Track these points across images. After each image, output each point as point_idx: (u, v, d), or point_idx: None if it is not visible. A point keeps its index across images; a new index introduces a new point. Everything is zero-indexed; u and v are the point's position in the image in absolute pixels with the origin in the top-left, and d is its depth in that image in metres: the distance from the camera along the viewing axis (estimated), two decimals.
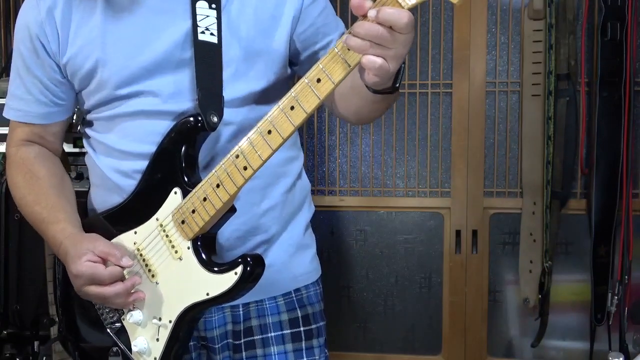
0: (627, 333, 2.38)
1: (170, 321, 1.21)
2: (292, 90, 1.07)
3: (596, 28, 2.34)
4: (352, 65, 1.02)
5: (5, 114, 1.36)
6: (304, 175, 1.42)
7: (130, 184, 1.26)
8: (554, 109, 2.37)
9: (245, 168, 1.11)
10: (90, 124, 1.34)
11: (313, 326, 1.36)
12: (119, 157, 1.28)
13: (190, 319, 1.21)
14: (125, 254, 1.20)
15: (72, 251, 1.20)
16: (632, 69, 2.31)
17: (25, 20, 1.29)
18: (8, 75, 2.82)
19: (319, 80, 1.04)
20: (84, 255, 1.18)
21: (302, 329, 1.35)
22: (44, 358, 2.06)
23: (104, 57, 1.23)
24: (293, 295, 1.35)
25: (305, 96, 1.05)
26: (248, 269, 1.13)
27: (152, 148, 1.23)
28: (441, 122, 2.54)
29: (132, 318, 1.24)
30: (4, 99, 2.25)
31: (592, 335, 2.43)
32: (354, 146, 2.60)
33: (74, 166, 2.17)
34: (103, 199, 1.32)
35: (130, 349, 1.25)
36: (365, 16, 0.98)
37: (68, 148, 2.15)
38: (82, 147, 2.19)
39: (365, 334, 2.62)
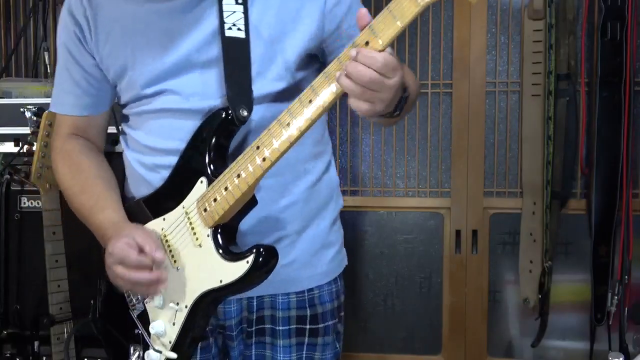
0: (627, 333, 2.38)
1: (186, 306, 1.23)
2: (312, 83, 1.09)
3: (596, 28, 2.34)
4: None
5: (52, 109, 1.42)
6: (332, 170, 1.43)
7: (154, 177, 1.31)
8: (554, 109, 2.37)
9: (263, 159, 1.13)
10: (126, 119, 1.39)
11: (320, 325, 1.38)
12: (144, 152, 1.33)
13: (206, 306, 1.23)
14: (160, 248, 1.22)
15: (114, 234, 1.24)
16: (632, 69, 2.31)
17: (70, 12, 1.34)
18: (8, 75, 2.82)
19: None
20: (122, 238, 1.21)
21: (307, 326, 1.38)
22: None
23: (132, 59, 1.28)
24: (306, 294, 1.37)
25: (323, 90, 1.08)
26: (260, 259, 1.15)
27: (174, 144, 1.27)
28: (441, 122, 2.54)
29: (153, 302, 1.27)
30: (4, 99, 2.27)
31: (592, 335, 2.43)
32: (354, 146, 2.60)
33: None
34: (132, 191, 1.37)
35: (149, 332, 1.29)
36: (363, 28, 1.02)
37: None
38: None
39: (365, 334, 2.62)
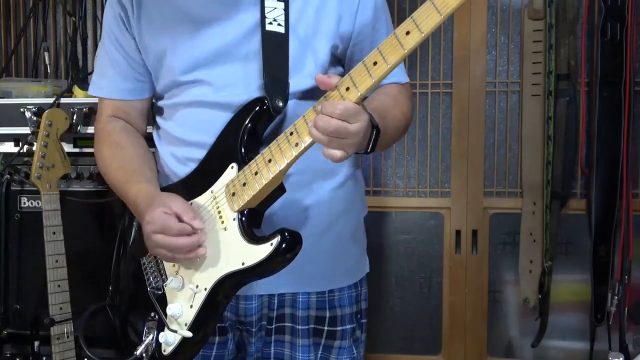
0: (627, 333, 2.38)
1: (205, 289, 1.24)
2: (350, 72, 1.11)
3: (596, 28, 2.34)
4: (376, 79, 1.09)
5: (93, 93, 1.46)
6: (359, 176, 1.46)
7: (183, 170, 1.32)
8: (554, 109, 2.36)
9: (296, 144, 1.15)
10: (160, 111, 1.41)
11: (338, 328, 1.41)
12: (175, 143, 1.35)
13: (226, 290, 1.23)
14: (198, 216, 1.22)
15: (146, 203, 1.25)
16: (632, 69, 2.30)
17: None
18: (8, 75, 2.82)
19: (375, 63, 1.09)
20: (159, 207, 1.21)
21: (325, 328, 1.39)
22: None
23: (172, 45, 1.30)
24: (326, 295, 1.39)
25: (361, 78, 1.10)
26: (284, 242, 1.15)
27: (205, 137, 1.29)
28: (441, 122, 2.54)
29: (172, 283, 1.28)
30: (4, 99, 2.27)
31: (592, 335, 2.43)
32: None
33: (74, 166, 2.17)
34: (162, 183, 1.38)
35: (166, 314, 1.29)
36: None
37: (68, 148, 2.15)
38: (82, 147, 2.20)
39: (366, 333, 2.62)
